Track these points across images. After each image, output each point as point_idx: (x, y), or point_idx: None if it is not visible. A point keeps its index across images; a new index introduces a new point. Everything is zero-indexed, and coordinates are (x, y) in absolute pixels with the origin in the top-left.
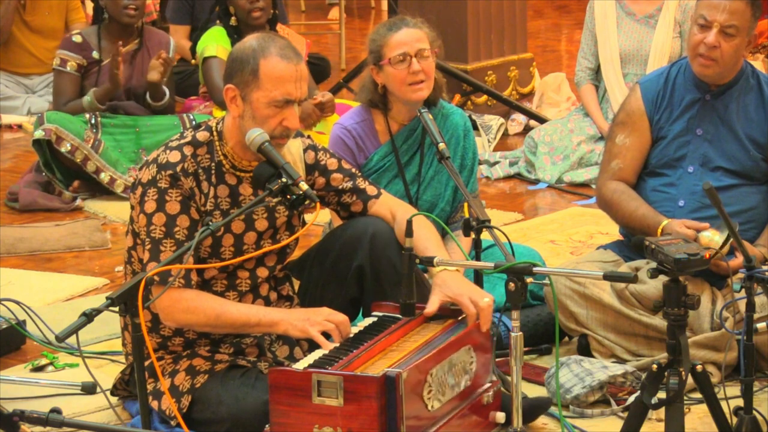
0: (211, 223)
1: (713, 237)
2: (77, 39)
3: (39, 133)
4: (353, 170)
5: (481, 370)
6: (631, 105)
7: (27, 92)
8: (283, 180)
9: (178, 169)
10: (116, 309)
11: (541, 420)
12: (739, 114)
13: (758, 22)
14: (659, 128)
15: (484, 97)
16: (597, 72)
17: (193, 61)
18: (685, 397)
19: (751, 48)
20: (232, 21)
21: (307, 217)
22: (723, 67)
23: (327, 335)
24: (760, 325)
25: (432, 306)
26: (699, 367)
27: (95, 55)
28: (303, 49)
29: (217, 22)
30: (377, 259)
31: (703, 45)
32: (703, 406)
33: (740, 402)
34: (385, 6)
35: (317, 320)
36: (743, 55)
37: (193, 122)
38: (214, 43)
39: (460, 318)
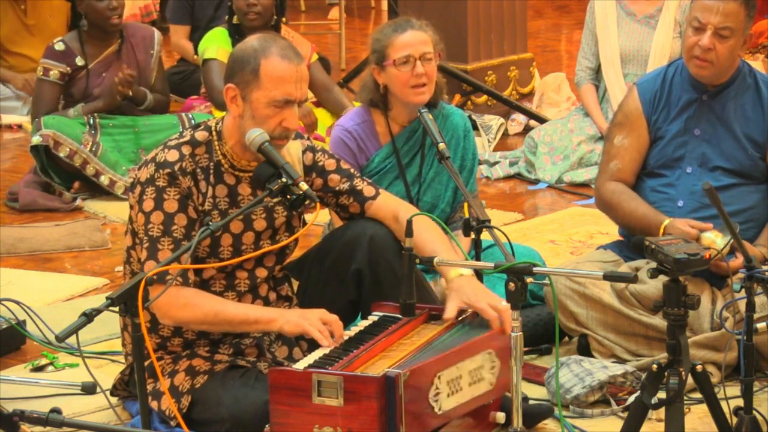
0: (211, 223)
1: (715, 239)
2: (59, 47)
3: (37, 139)
4: (352, 171)
5: (506, 374)
6: (629, 106)
7: (27, 93)
8: (283, 180)
9: (176, 168)
10: (116, 309)
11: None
12: (737, 113)
13: (758, 22)
14: (657, 128)
15: (484, 97)
16: (597, 72)
17: (195, 57)
18: (685, 397)
19: (747, 47)
20: (235, 19)
21: (307, 217)
22: (719, 69)
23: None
24: (760, 325)
25: (451, 312)
26: (699, 367)
27: (79, 61)
28: (308, 53)
29: (225, 19)
30: (375, 262)
31: (697, 47)
32: (703, 406)
33: (740, 402)
34: (385, 6)
35: (312, 318)
36: (739, 54)
37: (192, 122)
38: (215, 44)
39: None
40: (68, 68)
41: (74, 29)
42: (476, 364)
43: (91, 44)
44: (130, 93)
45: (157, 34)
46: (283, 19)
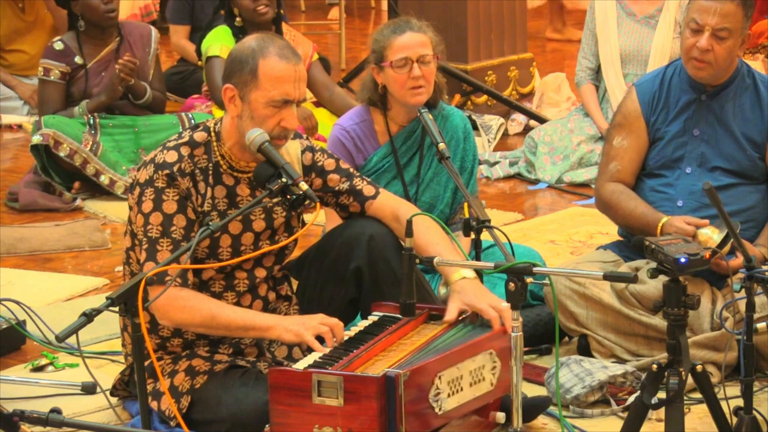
0: (211, 223)
1: (711, 235)
2: (58, 46)
3: (37, 139)
4: (351, 170)
5: (507, 375)
6: (628, 107)
7: (33, 105)
8: (283, 180)
9: (175, 169)
10: (116, 309)
11: (541, 420)
12: (736, 113)
13: (758, 22)
14: (656, 129)
15: (484, 97)
16: (597, 72)
17: (199, 62)
18: (685, 397)
19: (745, 47)
20: (237, 21)
21: (307, 217)
22: (717, 69)
23: (321, 340)
24: (760, 325)
25: (451, 314)
26: (699, 367)
27: (78, 60)
28: (309, 52)
29: (224, 20)
30: (375, 261)
31: (695, 49)
32: (703, 406)
33: (740, 402)
34: (385, 6)
35: (311, 324)
36: (738, 54)
37: (192, 121)
38: (219, 42)
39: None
40: (68, 67)
41: (72, 30)
42: (477, 364)
43: (89, 44)
44: (132, 81)
45: (154, 31)
46: (282, 11)
